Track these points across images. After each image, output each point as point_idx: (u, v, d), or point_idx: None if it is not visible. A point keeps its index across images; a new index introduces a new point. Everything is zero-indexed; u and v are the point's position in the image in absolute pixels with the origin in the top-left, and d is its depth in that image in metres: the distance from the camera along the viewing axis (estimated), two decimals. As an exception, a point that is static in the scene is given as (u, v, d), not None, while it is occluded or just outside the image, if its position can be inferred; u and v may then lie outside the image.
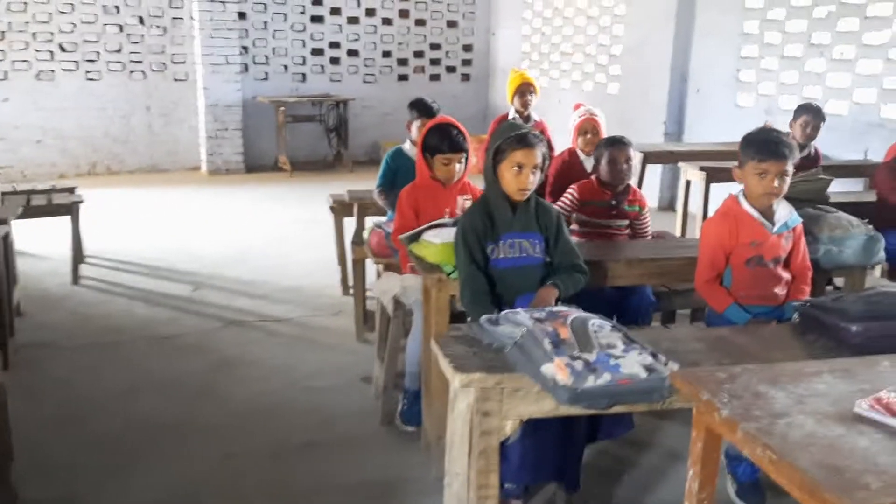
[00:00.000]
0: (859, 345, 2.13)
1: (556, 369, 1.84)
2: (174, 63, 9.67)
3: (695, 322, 3.75)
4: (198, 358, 4.10)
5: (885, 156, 5.07)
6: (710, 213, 5.37)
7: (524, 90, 5.15)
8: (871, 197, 4.57)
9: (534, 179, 2.60)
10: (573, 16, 9.37)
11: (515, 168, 2.56)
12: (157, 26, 9.54)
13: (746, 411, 1.65)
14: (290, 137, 9.83)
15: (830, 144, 5.53)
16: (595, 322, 2.02)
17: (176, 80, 9.70)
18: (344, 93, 10.31)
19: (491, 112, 10.78)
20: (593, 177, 3.61)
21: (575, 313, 2.05)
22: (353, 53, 10.56)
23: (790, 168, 2.71)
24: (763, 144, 2.72)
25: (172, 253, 6.08)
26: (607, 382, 1.83)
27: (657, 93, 7.73)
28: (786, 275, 2.82)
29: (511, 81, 5.28)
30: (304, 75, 10.36)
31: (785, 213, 2.78)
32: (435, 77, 11.00)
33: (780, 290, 2.80)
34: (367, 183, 4.73)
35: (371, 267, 4.29)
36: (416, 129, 4.31)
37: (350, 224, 4.88)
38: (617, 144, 3.45)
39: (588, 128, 4.14)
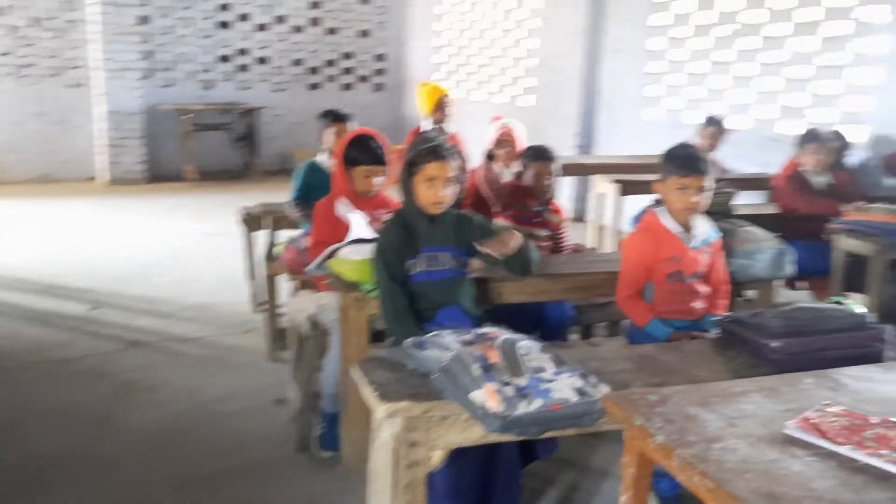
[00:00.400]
0: (779, 361, 2.14)
1: (487, 396, 1.76)
2: (70, 68, 9.17)
3: (613, 336, 3.76)
4: (96, 383, 3.83)
5: (783, 169, 5.28)
6: (623, 225, 5.49)
7: (444, 103, 5.11)
8: (773, 209, 4.76)
9: (448, 192, 2.55)
10: (487, 28, 9.42)
11: (429, 181, 2.52)
12: (51, 29, 9.02)
13: (680, 436, 1.61)
14: (196, 146, 9.48)
15: (732, 158, 5.72)
16: (523, 344, 1.96)
17: (71, 85, 9.20)
18: (253, 101, 10.03)
19: (405, 123, 10.72)
20: (523, 182, 3.59)
21: (503, 335, 1.98)
22: (262, 61, 10.31)
23: (709, 183, 2.74)
24: (684, 160, 2.74)
25: (67, 269, 5.71)
26: (539, 408, 1.77)
27: (569, 106, 7.84)
28: (704, 289, 2.84)
29: (428, 94, 5.22)
30: (210, 82, 10.02)
31: (704, 228, 2.81)
32: (347, 86, 10.86)
33: (699, 304, 2.83)
34: (279, 194, 4.57)
35: (284, 283, 4.12)
36: (328, 137, 4.18)
37: (261, 237, 4.69)
38: (543, 159, 3.43)
39: (505, 140, 4.12)
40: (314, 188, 4.05)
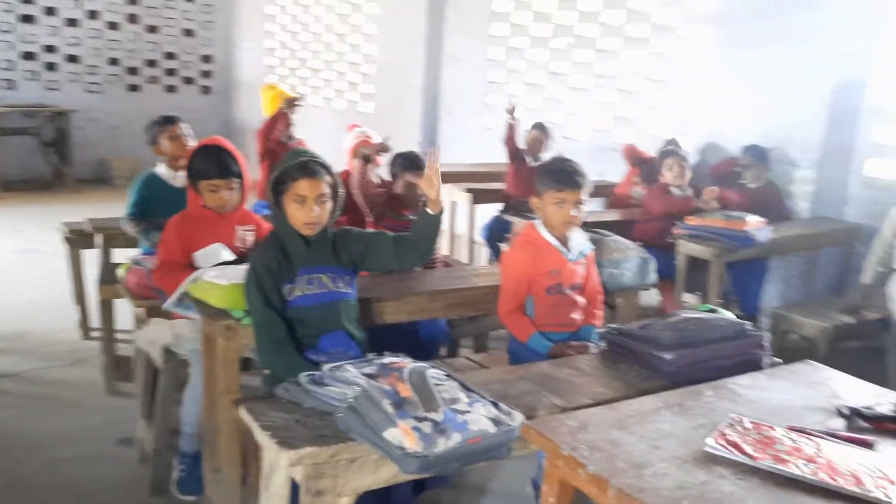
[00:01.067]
0: (673, 372, 2.18)
1: (403, 435, 1.62)
2: None
3: (480, 350, 3.73)
4: None
5: (623, 179, 5.54)
6: (476, 233, 5.52)
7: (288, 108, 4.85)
8: (612, 216, 4.97)
9: (322, 211, 2.37)
10: (322, 32, 9.18)
11: (299, 200, 2.33)
12: None
13: (611, 465, 1.56)
14: (-4, 153, 8.48)
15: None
16: (433, 373, 1.83)
17: None
18: (64, 103, 9.12)
19: (236, 127, 10.22)
20: (396, 190, 3.46)
21: (410, 364, 1.85)
22: (73, 59, 9.40)
23: (585, 197, 2.75)
24: (560, 174, 2.74)
25: None
26: (458, 444, 1.65)
27: (411, 113, 7.79)
28: (581, 300, 2.87)
29: (271, 98, 4.95)
30: (12, 82, 9.01)
31: (580, 240, 2.83)
32: (171, 88, 10.18)
33: (577, 316, 2.84)
34: (98, 206, 4.14)
35: (121, 307, 3.72)
36: (169, 144, 3.84)
37: (89, 256, 4.22)
38: (415, 169, 3.30)
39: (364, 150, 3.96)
40: (154, 202, 3.71)
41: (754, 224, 4.17)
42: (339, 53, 8.95)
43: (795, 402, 1.97)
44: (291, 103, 4.85)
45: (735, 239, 4.15)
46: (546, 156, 5.31)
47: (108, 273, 3.78)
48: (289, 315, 2.35)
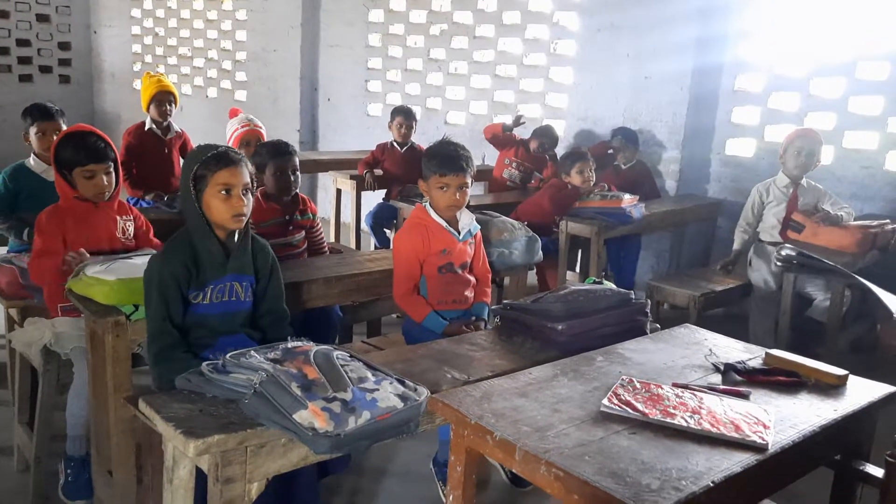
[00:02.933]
0: (565, 342, 2.28)
1: (313, 416, 1.63)
2: None
3: (374, 335, 3.74)
4: None
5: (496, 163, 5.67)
6: (362, 221, 5.51)
7: (161, 98, 4.66)
8: (490, 199, 5.10)
9: (247, 202, 2.26)
10: (190, 18, 8.85)
11: (223, 192, 2.20)
12: None
13: (516, 430, 1.63)
14: None
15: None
16: (338, 354, 1.85)
17: None
18: None
19: (99, 119, 9.70)
20: (258, 194, 3.33)
21: (314, 348, 1.85)
22: None
23: (469, 180, 2.82)
24: (444, 158, 2.79)
25: None
26: (367, 421, 1.68)
27: (288, 101, 7.66)
28: (472, 278, 2.95)
29: (145, 88, 4.74)
30: None
31: (467, 220, 2.91)
32: (26, 77, 9.52)
33: (469, 294, 2.92)
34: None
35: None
36: (35, 140, 3.65)
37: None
38: (283, 155, 3.21)
39: (251, 139, 3.87)
40: (23, 196, 3.52)
41: (630, 202, 4.40)
42: (210, 40, 8.66)
43: (678, 362, 2.12)
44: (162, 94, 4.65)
45: (613, 216, 4.37)
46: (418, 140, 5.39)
47: (-28, 274, 3.52)
48: (189, 319, 2.25)
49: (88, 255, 2.59)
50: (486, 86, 6.49)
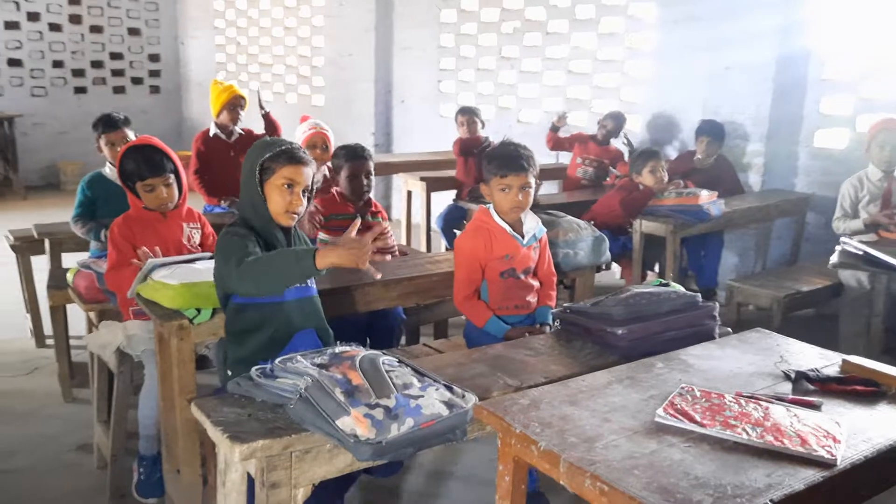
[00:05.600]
0: (625, 347, 2.19)
1: (355, 422, 1.61)
2: None
3: (441, 337, 3.72)
4: None
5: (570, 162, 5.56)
6: (433, 221, 5.50)
7: (234, 103, 4.78)
8: (564, 199, 5.00)
9: (304, 202, 2.27)
10: (269, 26, 9.07)
11: (286, 185, 2.21)
12: None
13: (562, 440, 1.57)
14: (-60, 162, 8.23)
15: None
16: (385, 360, 1.82)
17: None
18: (8, 108, 8.88)
19: (186, 127, 10.07)
20: (334, 189, 3.38)
21: (361, 353, 1.83)
22: (15, 63, 9.16)
23: (532, 180, 2.74)
24: (503, 159, 2.72)
25: None
26: (411, 428, 1.65)
27: (363, 105, 7.75)
28: (535, 283, 2.87)
29: (217, 95, 4.87)
30: (-48, 88, 8.77)
31: (532, 224, 2.83)
32: (119, 89, 9.97)
33: (531, 298, 2.85)
34: (49, 212, 4.04)
35: (75, 312, 3.64)
36: (106, 150, 3.79)
37: (40, 263, 4.13)
38: (358, 158, 3.25)
39: (317, 142, 3.94)
40: (101, 202, 3.68)
41: (708, 198, 4.23)
42: (289, 47, 8.85)
43: (745, 369, 2.00)
44: (232, 101, 4.77)
45: (690, 214, 4.21)
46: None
47: (57, 278, 3.70)
48: (263, 311, 2.21)
49: (152, 255, 2.65)
50: (559, 82, 6.38)
